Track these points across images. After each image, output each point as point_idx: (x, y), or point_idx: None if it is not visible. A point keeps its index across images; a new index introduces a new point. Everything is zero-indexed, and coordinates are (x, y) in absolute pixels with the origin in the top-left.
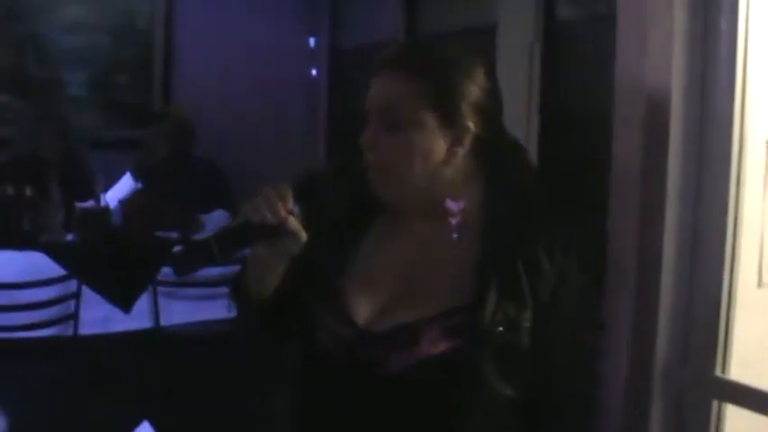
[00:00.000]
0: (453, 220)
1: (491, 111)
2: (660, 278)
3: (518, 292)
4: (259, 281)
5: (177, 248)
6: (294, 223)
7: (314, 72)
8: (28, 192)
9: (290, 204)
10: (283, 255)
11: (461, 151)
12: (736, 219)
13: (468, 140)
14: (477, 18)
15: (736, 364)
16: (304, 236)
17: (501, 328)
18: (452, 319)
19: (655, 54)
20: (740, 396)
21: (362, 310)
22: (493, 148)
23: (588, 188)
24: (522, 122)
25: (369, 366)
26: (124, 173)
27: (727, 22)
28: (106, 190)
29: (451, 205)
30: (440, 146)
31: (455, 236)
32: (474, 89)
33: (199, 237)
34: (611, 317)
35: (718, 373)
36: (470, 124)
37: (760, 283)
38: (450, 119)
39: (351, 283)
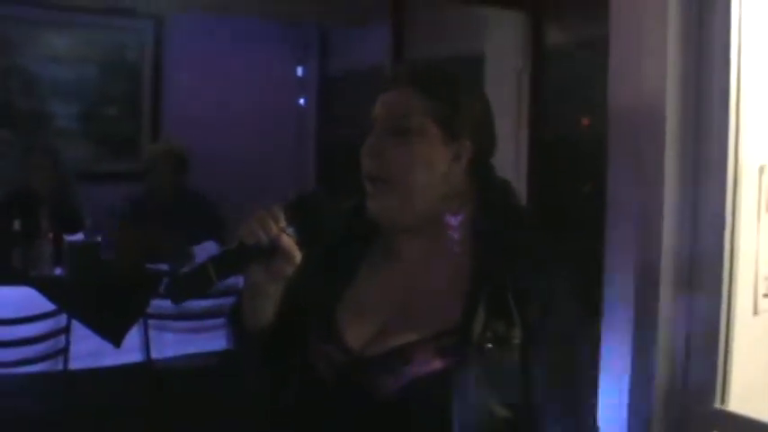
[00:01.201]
0: (450, 234)
1: (488, 133)
2: (658, 308)
3: (506, 310)
4: (255, 308)
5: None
6: (287, 241)
7: (302, 101)
8: (16, 226)
9: (282, 223)
10: (278, 276)
11: (459, 167)
12: (732, 246)
13: (466, 157)
14: (466, 46)
15: (735, 394)
16: (298, 255)
17: (490, 346)
18: (444, 339)
19: (648, 81)
20: (740, 428)
21: (356, 336)
22: (485, 170)
23: (580, 214)
24: (511, 148)
25: (363, 391)
26: (114, 205)
27: (720, 50)
28: (94, 224)
29: (450, 219)
30: (441, 158)
31: (449, 247)
32: (476, 110)
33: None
34: (609, 349)
35: (717, 404)
36: (470, 142)
37: (756, 311)
38: (453, 133)
39: (344, 309)
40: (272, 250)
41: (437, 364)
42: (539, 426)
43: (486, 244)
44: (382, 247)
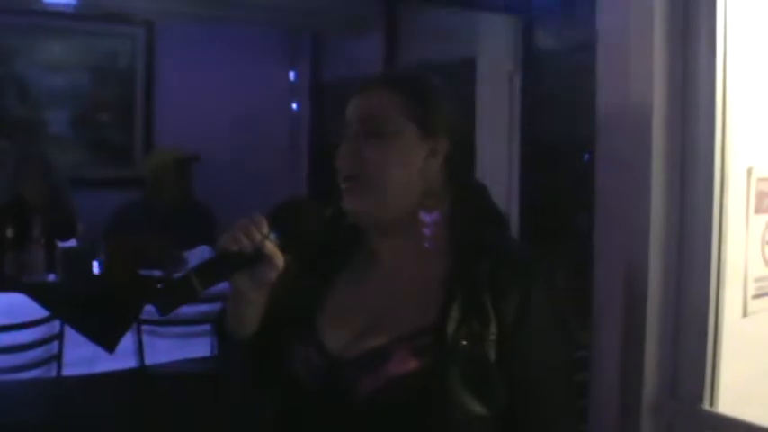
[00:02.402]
0: (427, 231)
1: (463, 131)
2: (646, 310)
3: (482, 308)
4: (240, 316)
5: (159, 286)
6: (271, 247)
7: (294, 106)
8: (9, 232)
9: (266, 230)
10: (263, 282)
11: (435, 163)
12: (720, 248)
13: (442, 154)
14: (457, 50)
15: (724, 397)
16: (281, 260)
17: (465, 342)
18: (421, 339)
19: (635, 84)
20: (730, 431)
21: (335, 339)
22: (462, 169)
23: (569, 215)
24: (503, 150)
25: (342, 392)
26: (107, 211)
27: (706, 52)
28: (87, 230)
29: (425, 217)
30: (417, 155)
31: (426, 245)
32: (450, 108)
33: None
34: (597, 351)
35: (706, 406)
36: (445, 139)
37: (745, 313)
38: (428, 130)
39: (324, 313)
40: (256, 257)
41: (414, 364)
42: (517, 424)
43: (463, 243)
44: (361, 251)
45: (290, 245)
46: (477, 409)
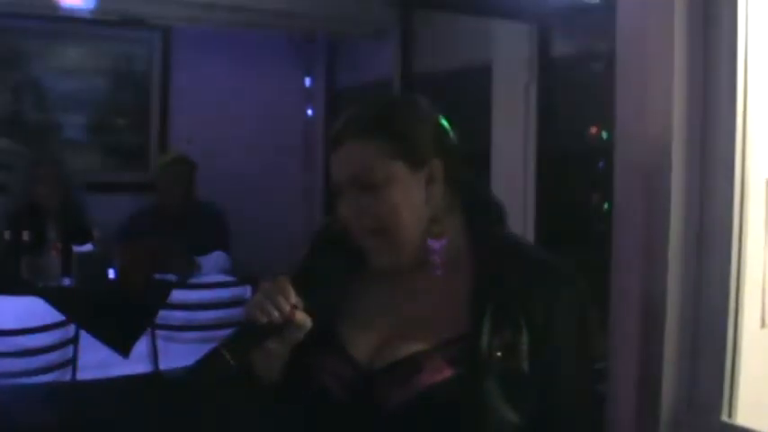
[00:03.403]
0: (436, 258)
1: (451, 144)
2: (665, 322)
3: (512, 317)
4: (269, 368)
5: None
6: (300, 315)
7: (310, 112)
8: (25, 236)
9: (293, 298)
10: (291, 343)
11: (437, 188)
12: (739, 258)
13: (439, 175)
14: (473, 58)
15: (742, 408)
16: (309, 324)
17: (499, 354)
18: (451, 349)
19: (654, 95)
20: None
21: (362, 350)
22: (461, 180)
23: (586, 227)
24: (519, 161)
25: (372, 403)
26: (122, 215)
27: (727, 63)
28: (103, 234)
29: (433, 243)
30: (416, 189)
31: (438, 273)
32: (432, 132)
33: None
34: (614, 361)
35: (724, 418)
36: (437, 160)
37: (763, 324)
38: (418, 161)
39: (348, 324)
40: (285, 325)
41: (447, 373)
42: (544, 427)
43: (483, 253)
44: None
45: (316, 304)
46: (511, 417)
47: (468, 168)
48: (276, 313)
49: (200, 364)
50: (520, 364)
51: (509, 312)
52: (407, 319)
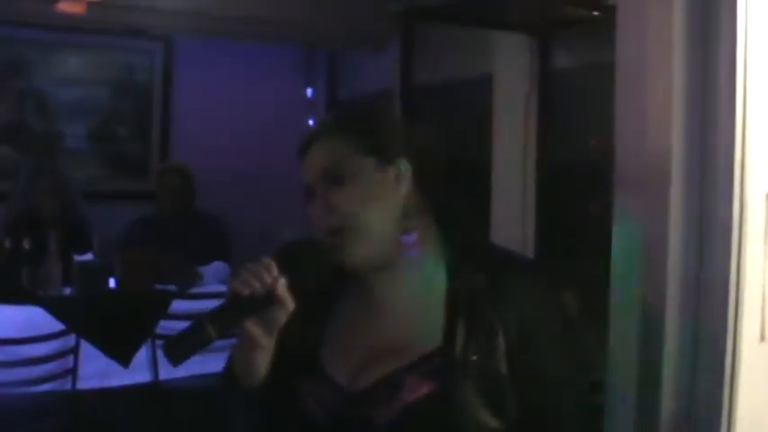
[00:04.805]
0: (407, 253)
1: (421, 145)
2: (663, 335)
3: (485, 320)
4: (250, 363)
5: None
6: (282, 290)
7: (311, 122)
8: (26, 245)
9: (275, 272)
10: (274, 326)
11: (404, 187)
12: (738, 272)
13: (407, 175)
14: (474, 69)
15: (741, 422)
16: (292, 303)
17: (474, 357)
18: (429, 363)
19: (653, 106)
20: None
21: (343, 372)
22: (432, 183)
23: (585, 237)
24: (518, 171)
25: (356, 425)
26: (123, 225)
27: (726, 75)
28: (103, 243)
29: (405, 239)
30: (383, 187)
31: (407, 271)
32: (399, 132)
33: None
34: (613, 374)
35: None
36: (406, 159)
37: (763, 338)
38: (386, 160)
39: (328, 347)
40: (268, 301)
41: (427, 388)
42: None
43: (454, 259)
44: (356, 282)
45: (298, 286)
46: (493, 423)
47: (444, 177)
48: (258, 285)
49: (182, 334)
50: (498, 368)
51: (483, 317)
52: (384, 335)
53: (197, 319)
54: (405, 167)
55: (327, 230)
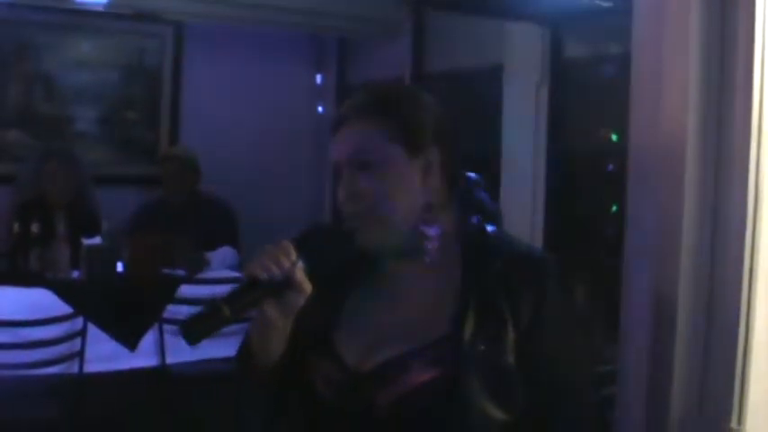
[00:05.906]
0: (429, 245)
1: (451, 138)
2: (676, 328)
3: (496, 310)
4: (266, 344)
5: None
6: (300, 275)
7: (320, 109)
8: (35, 229)
9: (294, 257)
10: (291, 309)
11: (433, 176)
12: (751, 266)
13: (436, 164)
14: (484, 58)
15: (752, 414)
16: (309, 287)
17: (483, 347)
18: (439, 348)
19: (669, 97)
20: None
21: (352, 352)
22: (459, 176)
23: (595, 228)
24: (529, 161)
25: (362, 406)
26: (132, 209)
27: (743, 67)
28: (112, 227)
29: (427, 230)
30: (412, 175)
31: (428, 261)
32: (432, 120)
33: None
34: (624, 367)
35: (734, 425)
36: (435, 147)
37: None
38: (417, 149)
39: (340, 328)
40: (285, 284)
41: (432, 373)
42: (537, 427)
43: (471, 247)
44: (372, 264)
45: (316, 270)
46: (497, 414)
47: (467, 166)
48: (276, 269)
49: (199, 315)
50: (505, 359)
51: (493, 307)
52: (395, 320)
53: (212, 301)
54: (433, 157)
55: (351, 215)
